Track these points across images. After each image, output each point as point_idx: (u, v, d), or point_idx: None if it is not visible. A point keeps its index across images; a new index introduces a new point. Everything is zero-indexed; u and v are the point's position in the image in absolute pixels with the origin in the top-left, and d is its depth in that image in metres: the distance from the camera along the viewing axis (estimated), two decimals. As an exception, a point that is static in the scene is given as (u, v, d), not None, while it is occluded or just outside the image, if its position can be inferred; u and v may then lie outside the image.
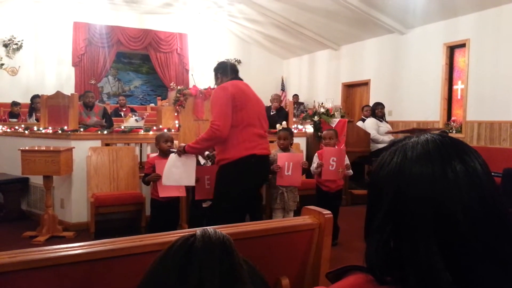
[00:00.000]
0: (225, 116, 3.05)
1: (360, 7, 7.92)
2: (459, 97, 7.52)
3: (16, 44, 9.60)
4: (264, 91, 11.06)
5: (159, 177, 3.76)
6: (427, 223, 0.67)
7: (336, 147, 4.41)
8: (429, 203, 0.67)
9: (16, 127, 5.71)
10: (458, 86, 7.54)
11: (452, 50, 7.63)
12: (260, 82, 11.89)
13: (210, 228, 0.79)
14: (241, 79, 3.38)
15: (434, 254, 0.65)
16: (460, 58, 7.54)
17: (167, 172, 3.41)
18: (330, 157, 4.12)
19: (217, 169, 3.24)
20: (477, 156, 0.72)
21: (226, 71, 3.37)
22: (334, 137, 4.36)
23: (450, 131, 7.30)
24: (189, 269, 0.72)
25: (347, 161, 4.31)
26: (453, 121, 7.51)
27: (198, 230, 0.78)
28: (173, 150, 3.82)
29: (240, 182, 3.11)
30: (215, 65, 3.51)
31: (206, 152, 3.84)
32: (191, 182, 3.40)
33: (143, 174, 4.17)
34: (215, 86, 3.47)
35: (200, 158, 3.90)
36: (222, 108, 3.07)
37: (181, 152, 3.31)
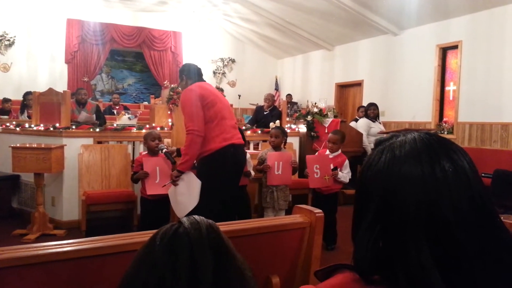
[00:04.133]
0: (197, 117, 3.18)
1: (354, 8, 7.95)
2: (451, 98, 7.57)
3: (8, 40, 9.51)
4: (258, 90, 11.14)
5: (147, 175, 3.75)
6: (417, 223, 0.66)
7: (340, 151, 4.21)
8: (419, 203, 0.67)
9: (8, 124, 5.66)
10: (450, 88, 7.60)
11: (444, 51, 7.69)
12: (254, 82, 11.94)
13: (196, 216, 0.80)
14: (205, 81, 3.52)
15: (424, 254, 0.65)
16: (452, 59, 7.59)
17: (175, 206, 3.37)
18: (313, 165, 4.00)
19: (198, 163, 3.28)
20: (464, 154, 0.72)
21: (192, 73, 3.47)
22: (338, 142, 4.15)
23: (442, 132, 7.35)
24: (179, 248, 0.71)
25: (347, 168, 4.13)
26: (445, 122, 7.57)
27: (183, 218, 0.79)
28: (162, 147, 3.78)
29: (223, 170, 3.21)
30: (181, 66, 3.64)
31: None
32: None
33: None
34: (179, 88, 3.60)
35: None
36: (192, 110, 3.19)
37: (178, 177, 3.28)
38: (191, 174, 3.28)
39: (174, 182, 3.30)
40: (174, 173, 3.31)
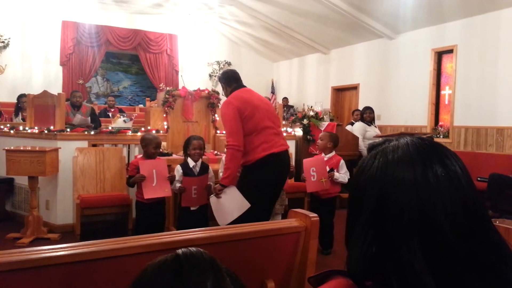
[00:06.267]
0: (236, 131, 3.25)
1: (350, 12, 7.99)
2: (446, 102, 7.61)
3: (3, 42, 9.47)
4: (254, 93, 11.13)
5: (143, 178, 3.73)
6: (410, 228, 0.67)
7: (334, 153, 4.22)
8: (411, 207, 0.67)
9: (2, 127, 5.62)
10: (445, 92, 7.63)
11: (440, 55, 7.73)
12: (250, 85, 11.76)
13: (192, 249, 0.74)
14: (244, 86, 3.54)
15: (417, 259, 0.65)
16: (447, 63, 7.63)
17: (219, 215, 3.39)
18: (309, 168, 4.00)
19: (241, 171, 3.37)
20: (456, 159, 0.72)
21: (229, 80, 3.54)
22: (325, 139, 4.20)
23: (438, 136, 7.38)
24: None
25: (344, 168, 4.13)
26: (441, 126, 7.60)
27: (180, 252, 0.73)
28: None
29: (264, 179, 3.30)
30: (220, 74, 3.70)
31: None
32: (246, 205, 3.28)
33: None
34: (216, 91, 3.65)
35: (189, 160, 3.88)
36: (231, 125, 3.27)
37: (221, 190, 3.34)
38: (233, 187, 3.33)
39: (218, 195, 3.36)
40: (218, 187, 3.36)
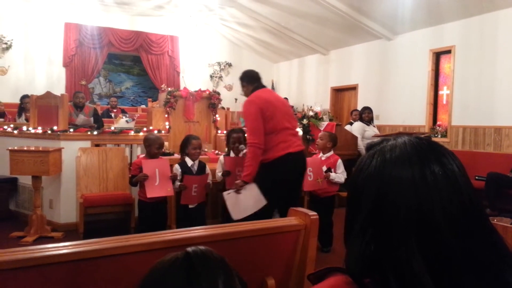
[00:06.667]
0: (258, 130, 3.35)
1: (349, 13, 8.01)
2: (444, 102, 7.63)
3: (6, 43, 9.51)
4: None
5: (146, 177, 3.76)
6: (408, 227, 0.67)
7: (332, 152, 4.25)
8: (409, 206, 0.68)
9: (5, 127, 5.65)
10: (443, 92, 7.65)
11: (438, 56, 7.75)
12: (251, 85, 11.93)
13: (202, 248, 0.74)
14: (264, 86, 3.63)
15: (415, 258, 0.65)
16: (445, 64, 7.65)
17: (234, 210, 3.44)
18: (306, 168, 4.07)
19: (259, 168, 3.42)
20: (454, 158, 0.73)
21: (251, 79, 3.64)
22: (324, 138, 4.25)
23: (436, 135, 7.40)
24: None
25: (341, 168, 4.16)
26: (439, 126, 7.62)
27: (190, 250, 0.72)
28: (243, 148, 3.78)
29: (281, 178, 3.37)
30: (240, 74, 3.80)
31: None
32: (263, 201, 3.34)
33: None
34: (242, 93, 3.75)
35: (187, 159, 3.91)
36: (253, 124, 3.36)
37: (242, 186, 3.41)
38: (253, 184, 3.39)
39: (238, 191, 3.43)
40: (240, 182, 3.42)
